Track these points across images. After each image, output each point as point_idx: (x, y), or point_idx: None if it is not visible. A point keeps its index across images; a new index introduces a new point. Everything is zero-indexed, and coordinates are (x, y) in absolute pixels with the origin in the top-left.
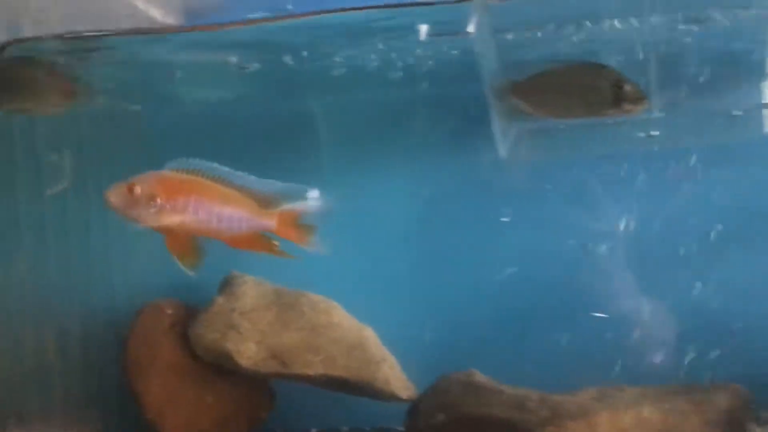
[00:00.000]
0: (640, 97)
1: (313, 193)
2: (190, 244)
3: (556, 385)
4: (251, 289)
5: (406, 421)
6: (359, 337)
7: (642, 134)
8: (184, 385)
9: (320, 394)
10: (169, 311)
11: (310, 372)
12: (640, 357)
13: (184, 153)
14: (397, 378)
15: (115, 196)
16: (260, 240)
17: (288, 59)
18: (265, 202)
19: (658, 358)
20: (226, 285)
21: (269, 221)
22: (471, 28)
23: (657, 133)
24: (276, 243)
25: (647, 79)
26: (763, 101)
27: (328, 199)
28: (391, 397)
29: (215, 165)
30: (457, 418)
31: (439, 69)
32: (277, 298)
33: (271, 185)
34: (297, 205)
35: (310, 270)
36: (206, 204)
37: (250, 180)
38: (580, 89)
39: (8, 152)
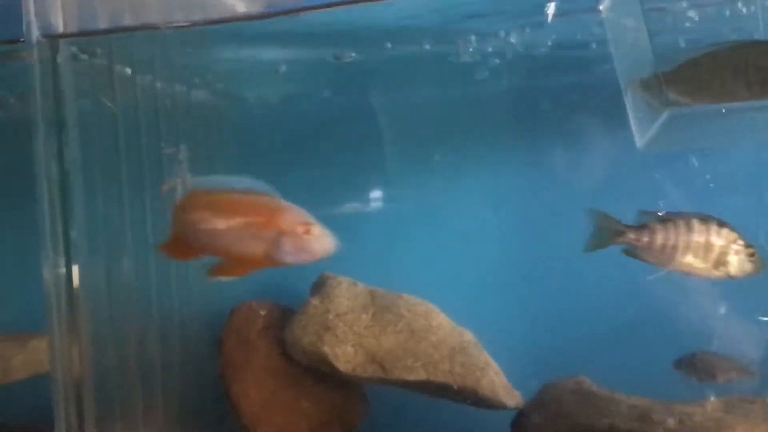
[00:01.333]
0: None
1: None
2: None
3: (667, 397)
4: (345, 291)
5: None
6: (460, 342)
7: None
8: (279, 389)
9: (414, 402)
10: (263, 312)
11: (412, 377)
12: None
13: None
14: (502, 385)
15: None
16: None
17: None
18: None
19: None
20: (320, 286)
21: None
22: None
23: None
24: None
25: None
26: None
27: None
28: (497, 405)
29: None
30: (573, 429)
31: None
32: (373, 300)
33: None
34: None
35: (404, 270)
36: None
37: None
38: (747, 69)
39: (113, 144)
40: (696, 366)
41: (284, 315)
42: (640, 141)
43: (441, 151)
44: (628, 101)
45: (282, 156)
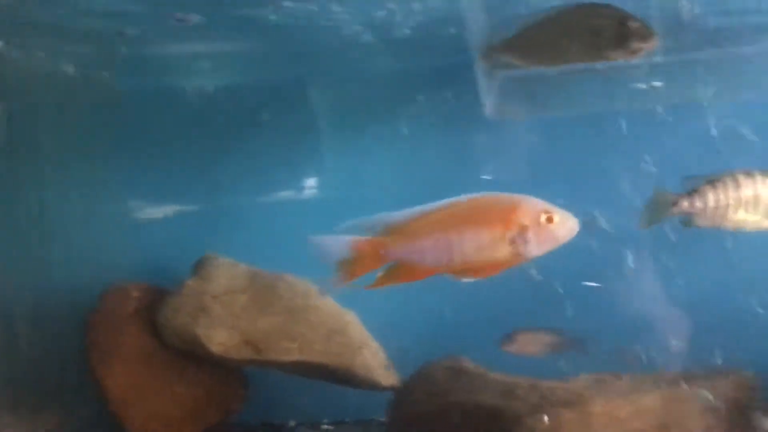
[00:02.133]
0: (649, 34)
1: None
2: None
3: (548, 375)
4: (225, 271)
5: (389, 411)
6: (340, 322)
7: (643, 86)
8: (151, 373)
9: (299, 385)
10: (136, 294)
11: (286, 358)
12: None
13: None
14: (378, 365)
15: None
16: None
17: None
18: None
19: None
20: (199, 267)
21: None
22: None
23: (660, 84)
24: None
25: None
26: None
27: None
28: (372, 385)
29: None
30: (443, 407)
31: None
32: (253, 281)
33: None
34: None
35: (295, 253)
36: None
37: None
38: (581, 31)
39: None
40: (516, 341)
41: (159, 297)
42: (487, 108)
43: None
44: (478, 71)
45: None
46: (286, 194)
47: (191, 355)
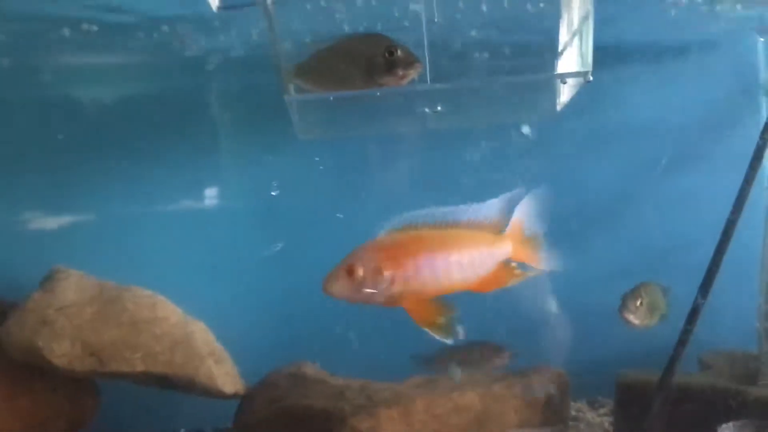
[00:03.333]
0: (412, 61)
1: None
2: (433, 306)
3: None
4: (73, 284)
5: (235, 417)
6: (185, 333)
7: (427, 110)
8: None
9: (154, 396)
10: None
11: (129, 369)
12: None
13: None
14: (224, 373)
15: (337, 285)
16: (506, 271)
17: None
18: (491, 228)
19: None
20: (47, 280)
21: (506, 246)
22: None
23: (440, 108)
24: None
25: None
26: (555, 72)
27: (541, 193)
28: (217, 393)
29: (425, 211)
30: (281, 412)
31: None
32: (101, 293)
33: (487, 207)
34: (518, 214)
35: (146, 264)
36: (440, 257)
37: (461, 211)
38: (357, 59)
39: None
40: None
41: (4, 310)
42: (296, 129)
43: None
44: (283, 93)
45: None
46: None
47: (37, 369)
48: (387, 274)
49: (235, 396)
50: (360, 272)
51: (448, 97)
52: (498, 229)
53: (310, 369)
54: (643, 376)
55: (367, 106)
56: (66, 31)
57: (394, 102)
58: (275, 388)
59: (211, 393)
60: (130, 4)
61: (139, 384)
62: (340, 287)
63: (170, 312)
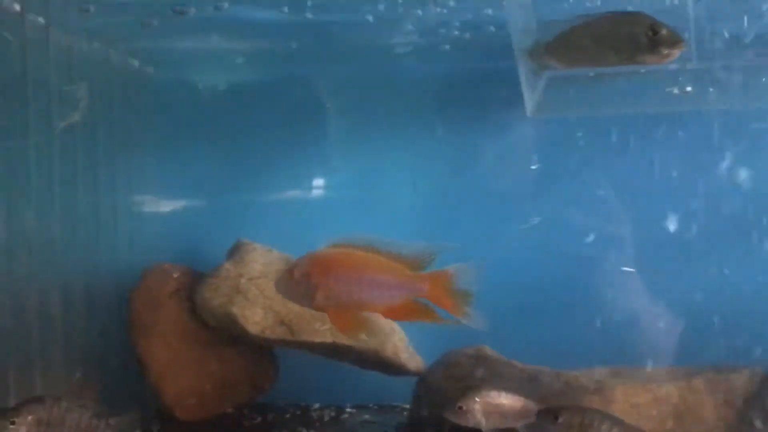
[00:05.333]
0: (676, 40)
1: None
2: (354, 318)
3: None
4: (260, 256)
5: (415, 394)
6: None
7: (675, 90)
8: (187, 350)
9: (325, 368)
10: (175, 275)
11: (318, 340)
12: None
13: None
14: (404, 350)
15: (279, 283)
16: (417, 307)
17: None
18: (416, 265)
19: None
20: (235, 252)
21: (421, 285)
22: None
23: (690, 89)
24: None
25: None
26: None
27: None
28: (399, 369)
29: (368, 236)
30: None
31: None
32: (286, 266)
33: (419, 246)
34: (452, 266)
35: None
36: (358, 276)
37: (399, 244)
38: (614, 37)
39: (19, 82)
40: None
41: (198, 279)
42: (528, 107)
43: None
44: (520, 70)
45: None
46: (311, 189)
47: (226, 335)
48: (313, 282)
49: (416, 373)
50: (296, 276)
51: (708, 77)
52: (417, 267)
53: (490, 352)
54: None
55: (613, 85)
56: None
57: (643, 81)
58: (458, 368)
59: (393, 369)
60: None
61: (321, 355)
62: (281, 285)
63: None
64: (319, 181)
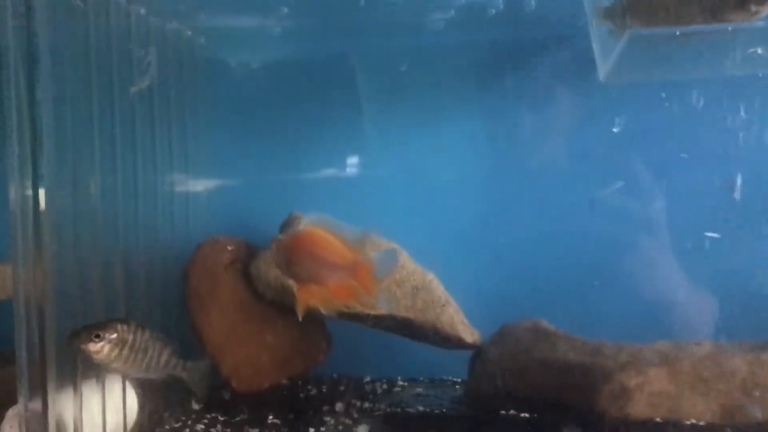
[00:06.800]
0: None
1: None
2: (317, 293)
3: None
4: None
5: (473, 367)
6: (423, 280)
7: (759, 51)
8: (243, 321)
9: (377, 342)
10: (230, 247)
11: (375, 312)
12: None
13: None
14: (461, 321)
15: (271, 254)
16: (356, 290)
17: None
18: (356, 251)
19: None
20: (288, 224)
21: (347, 268)
22: None
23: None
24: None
25: None
26: None
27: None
28: (456, 342)
29: (334, 220)
30: (529, 364)
31: None
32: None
33: (356, 232)
34: (374, 255)
35: (376, 218)
36: (315, 256)
37: (354, 230)
38: None
39: (82, 46)
40: None
41: (252, 252)
42: (602, 71)
43: None
44: (593, 33)
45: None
46: (361, 167)
47: (281, 307)
48: (287, 257)
49: (473, 345)
50: (279, 250)
51: None
52: (357, 252)
53: (547, 325)
54: None
55: (692, 46)
56: None
57: (723, 42)
58: (516, 342)
59: (451, 341)
60: None
61: (375, 327)
62: (274, 257)
63: (406, 260)
64: (368, 158)
